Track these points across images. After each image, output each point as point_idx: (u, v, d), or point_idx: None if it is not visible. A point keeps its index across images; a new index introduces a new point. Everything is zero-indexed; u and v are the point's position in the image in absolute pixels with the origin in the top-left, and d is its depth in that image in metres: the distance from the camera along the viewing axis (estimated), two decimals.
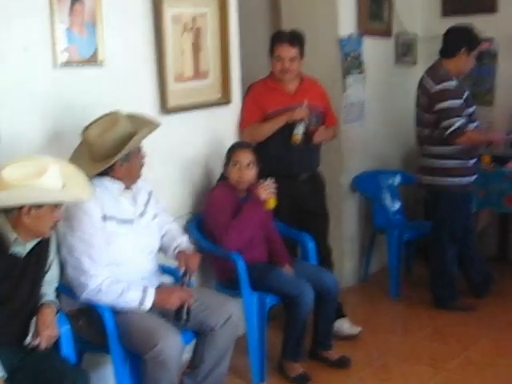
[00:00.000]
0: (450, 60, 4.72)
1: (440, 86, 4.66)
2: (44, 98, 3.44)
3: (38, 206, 2.82)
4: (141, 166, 3.42)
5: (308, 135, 4.45)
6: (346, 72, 5.26)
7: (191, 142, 4.22)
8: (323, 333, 4.24)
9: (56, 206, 2.90)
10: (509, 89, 5.76)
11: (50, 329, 2.95)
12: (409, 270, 5.74)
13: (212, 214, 4.04)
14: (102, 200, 3.29)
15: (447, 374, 4.10)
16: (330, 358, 4.23)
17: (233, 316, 3.46)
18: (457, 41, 4.72)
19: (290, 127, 4.36)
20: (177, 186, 4.12)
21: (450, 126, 4.62)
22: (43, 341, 2.91)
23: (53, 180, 2.83)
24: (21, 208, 2.81)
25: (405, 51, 5.89)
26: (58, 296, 3.17)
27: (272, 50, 4.48)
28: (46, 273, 3.09)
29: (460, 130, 4.62)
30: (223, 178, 4.12)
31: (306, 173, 4.58)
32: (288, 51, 4.40)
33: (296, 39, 4.43)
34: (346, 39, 5.21)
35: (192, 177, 4.26)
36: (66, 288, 3.30)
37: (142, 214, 3.47)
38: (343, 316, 4.65)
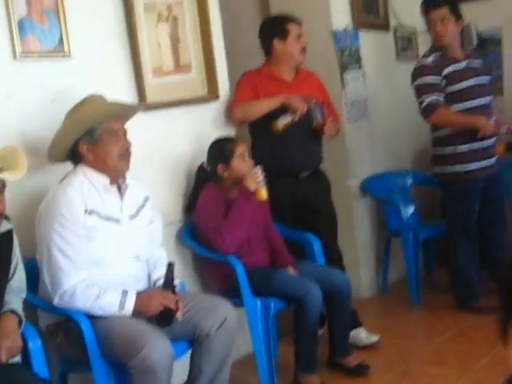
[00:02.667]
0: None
1: (416, 65, 4.31)
2: (5, 93, 3.05)
3: None
4: (118, 154, 2.96)
5: (309, 129, 4.01)
6: (344, 68, 4.85)
7: (176, 142, 3.80)
8: (339, 337, 3.77)
9: None
10: None
11: (10, 339, 2.51)
12: (429, 275, 5.28)
13: (203, 218, 3.61)
14: (85, 192, 2.90)
15: (475, 376, 3.62)
16: (348, 365, 3.75)
17: (228, 318, 3.00)
18: None
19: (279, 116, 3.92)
20: (163, 190, 3.68)
21: (420, 104, 4.22)
22: (3, 352, 2.47)
23: None
24: None
25: (405, 45, 5.48)
26: (31, 307, 2.75)
27: (284, 32, 4.07)
28: (10, 278, 2.66)
29: (431, 107, 4.18)
30: (211, 178, 3.66)
31: (308, 170, 4.12)
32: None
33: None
34: (340, 32, 4.82)
35: (178, 179, 3.82)
36: (41, 301, 2.91)
37: (132, 217, 3.04)
38: (360, 325, 4.16)
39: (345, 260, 4.27)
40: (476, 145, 4.25)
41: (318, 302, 3.47)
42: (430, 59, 4.25)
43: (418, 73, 4.26)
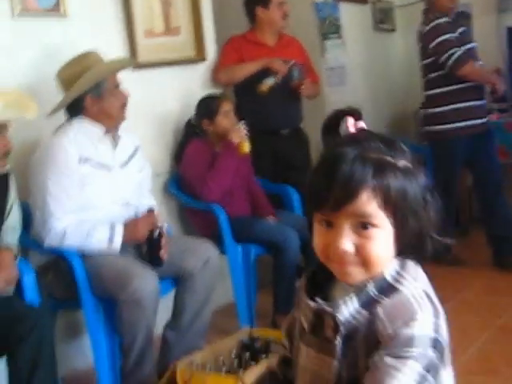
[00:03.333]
0: None
1: (431, 24, 4.20)
2: (2, 49, 3.08)
3: None
4: (120, 106, 3.03)
5: (290, 89, 4.07)
6: (324, 36, 4.89)
7: (164, 99, 3.83)
8: None
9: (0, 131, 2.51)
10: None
11: (7, 271, 2.56)
12: None
13: (189, 169, 3.66)
14: (80, 142, 2.93)
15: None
16: None
17: (211, 259, 3.07)
18: None
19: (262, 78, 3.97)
20: (151, 144, 3.71)
21: (449, 58, 4.11)
22: (0, 284, 2.51)
23: None
24: None
25: (382, 18, 5.49)
26: (22, 247, 2.79)
27: (266, 0, 4.11)
28: (7, 217, 2.71)
29: (462, 59, 4.09)
30: (196, 133, 3.71)
31: (288, 128, 4.18)
32: None
33: None
34: (321, 3, 4.85)
35: (166, 134, 3.86)
36: (32, 241, 2.94)
37: (123, 165, 3.08)
38: None
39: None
40: (472, 103, 4.22)
41: (296, 247, 3.53)
42: (444, 19, 4.17)
43: (437, 31, 4.15)
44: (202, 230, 3.72)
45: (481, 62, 4.25)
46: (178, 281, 3.07)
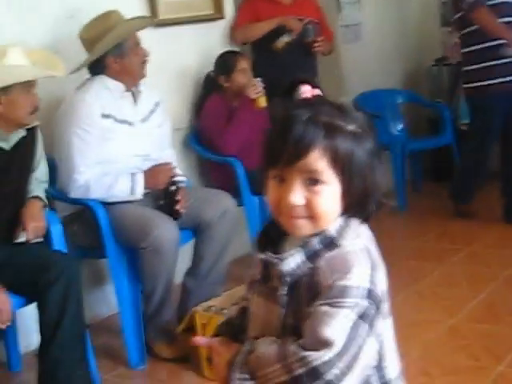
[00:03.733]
0: None
1: None
2: (25, 7, 3.09)
3: (8, 90, 2.49)
4: (141, 64, 3.06)
5: (305, 46, 4.09)
6: None
7: (183, 56, 3.85)
8: None
9: (29, 89, 2.54)
10: None
11: (36, 220, 2.62)
12: (416, 186, 5.33)
13: (207, 123, 3.69)
14: (102, 98, 2.97)
15: (451, 267, 3.73)
16: None
17: (228, 209, 3.11)
18: None
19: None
20: (171, 99, 3.71)
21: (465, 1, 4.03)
22: (30, 232, 2.59)
23: (17, 59, 2.50)
24: None
25: None
26: (49, 199, 2.84)
27: None
28: (34, 170, 2.76)
29: (477, 3, 3.99)
30: (215, 88, 3.73)
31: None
32: None
33: None
34: None
35: (185, 89, 3.88)
36: (58, 193, 2.99)
37: (144, 120, 3.11)
38: None
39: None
40: (498, 61, 4.13)
41: None
42: None
43: None
44: (220, 183, 3.75)
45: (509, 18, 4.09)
46: (197, 231, 3.12)
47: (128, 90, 3.06)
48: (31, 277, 2.48)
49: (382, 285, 1.16)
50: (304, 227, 1.16)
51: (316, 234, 1.16)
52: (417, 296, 3.41)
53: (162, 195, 3.03)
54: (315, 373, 1.07)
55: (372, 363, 1.16)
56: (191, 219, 3.06)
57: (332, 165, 1.13)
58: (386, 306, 1.18)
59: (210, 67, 3.80)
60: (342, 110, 1.18)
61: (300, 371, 1.08)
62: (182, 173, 3.26)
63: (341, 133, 1.14)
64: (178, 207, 2.99)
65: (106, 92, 3.00)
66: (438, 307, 3.25)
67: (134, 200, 2.97)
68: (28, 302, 2.53)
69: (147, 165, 3.09)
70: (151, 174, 3.01)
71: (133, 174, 2.96)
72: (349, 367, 1.09)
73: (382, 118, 4.97)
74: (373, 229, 4.07)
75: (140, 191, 2.95)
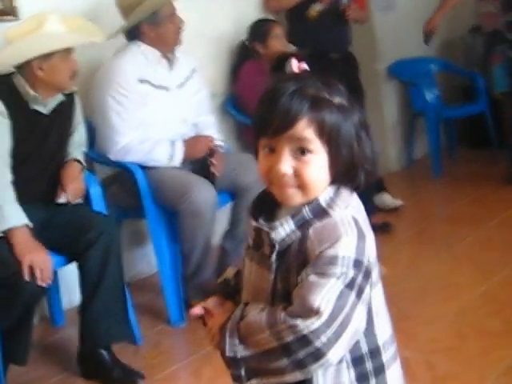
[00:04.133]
0: None
1: None
2: None
3: (48, 57, 2.47)
4: (176, 32, 3.01)
5: (338, 14, 3.97)
6: None
7: (219, 22, 3.80)
8: (364, 198, 3.78)
9: (68, 55, 2.52)
10: None
11: (75, 182, 2.61)
12: (451, 152, 5.21)
13: (244, 90, 3.64)
14: (138, 63, 2.95)
15: (485, 232, 3.64)
16: (374, 224, 3.77)
17: None
18: None
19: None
20: (207, 65, 3.67)
21: None
22: (69, 194, 2.59)
23: (56, 26, 2.49)
24: (32, 63, 2.45)
25: None
26: (88, 162, 2.83)
27: None
28: (72, 134, 2.75)
29: None
30: (250, 55, 3.68)
31: (337, 51, 4.08)
32: None
33: None
34: None
35: (221, 56, 3.84)
36: (97, 155, 2.97)
37: (180, 86, 3.08)
38: (385, 190, 4.18)
39: (373, 139, 4.23)
40: None
41: None
42: None
43: None
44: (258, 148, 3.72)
45: None
46: (234, 194, 3.09)
47: (164, 56, 3.03)
48: (72, 237, 2.48)
49: (369, 254, 1.16)
50: (294, 196, 1.17)
51: (306, 204, 1.17)
52: (452, 260, 3.34)
53: (200, 159, 3.00)
54: (304, 340, 1.09)
55: (361, 330, 1.16)
56: (229, 183, 3.03)
57: (319, 135, 1.15)
58: (374, 275, 1.18)
59: (245, 35, 3.75)
60: (328, 83, 1.20)
61: (289, 339, 1.10)
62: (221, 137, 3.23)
63: (327, 105, 1.16)
64: (213, 170, 2.96)
65: (142, 58, 2.97)
66: (473, 271, 3.18)
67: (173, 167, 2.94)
68: (69, 261, 2.53)
69: (185, 130, 3.05)
70: (191, 143, 2.98)
71: (172, 142, 2.93)
72: (337, 335, 1.10)
73: (416, 86, 4.87)
74: (409, 195, 4.04)
75: (178, 159, 2.92)
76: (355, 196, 1.23)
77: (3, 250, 2.30)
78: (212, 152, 3.01)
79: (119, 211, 2.94)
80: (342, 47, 4.12)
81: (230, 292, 1.33)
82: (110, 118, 2.89)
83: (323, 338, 1.09)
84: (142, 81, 2.93)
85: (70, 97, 2.69)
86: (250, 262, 1.26)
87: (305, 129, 1.14)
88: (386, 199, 4.14)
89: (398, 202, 4.14)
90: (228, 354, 1.15)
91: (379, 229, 3.76)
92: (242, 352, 1.14)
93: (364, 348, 1.20)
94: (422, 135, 5.03)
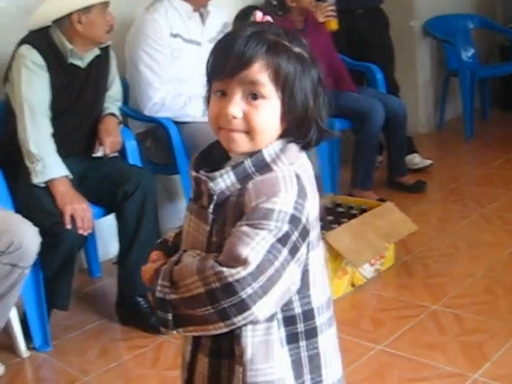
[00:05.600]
0: None
1: None
2: None
3: (87, 10, 2.59)
4: None
5: None
6: None
7: None
8: (396, 158, 3.94)
9: (105, 9, 2.65)
10: None
11: (112, 136, 2.76)
12: (484, 114, 5.28)
13: None
14: (171, 18, 3.05)
15: None
16: (406, 183, 3.92)
17: None
18: None
19: None
20: None
21: None
22: (107, 147, 2.73)
23: None
24: (71, 16, 2.58)
25: None
26: (122, 116, 2.97)
27: None
28: (108, 88, 2.88)
29: None
30: (275, 10, 3.73)
31: (363, 7, 4.13)
32: None
33: None
34: None
35: None
36: (131, 110, 3.11)
37: (212, 40, 3.16)
38: (415, 151, 4.28)
39: (405, 98, 4.26)
40: None
41: (381, 118, 3.62)
42: None
43: None
44: None
45: None
46: None
47: (196, 10, 3.13)
48: (110, 189, 2.63)
49: (310, 213, 1.15)
50: (241, 142, 1.17)
51: (251, 155, 1.17)
52: (483, 220, 3.45)
53: None
54: (229, 289, 1.08)
55: (293, 290, 1.16)
56: None
57: (273, 80, 1.14)
58: (314, 236, 1.18)
59: None
60: (291, 34, 1.19)
61: (214, 285, 1.09)
62: None
63: (285, 51, 1.15)
64: None
65: (175, 12, 3.08)
66: (503, 231, 3.30)
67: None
68: (107, 212, 2.69)
69: None
70: None
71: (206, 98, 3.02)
72: (264, 290, 1.09)
73: (452, 44, 4.92)
74: (440, 156, 4.13)
75: None
76: (304, 155, 1.22)
77: (46, 200, 2.47)
78: None
79: (152, 166, 3.06)
80: (371, 3, 4.18)
81: (169, 253, 1.31)
82: (143, 73, 3.01)
83: (249, 290, 1.08)
84: (173, 35, 3.04)
85: (105, 51, 2.81)
86: (189, 215, 1.26)
87: (259, 72, 1.13)
88: (415, 159, 4.25)
89: (427, 162, 4.25)
90: (158, 294, 1.16)
91: (412, 188, 3.88)
92: (171, 295, 1.15)
93: (297, 309, 1.19)
94: (455, 96, 5.09)
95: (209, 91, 1.23)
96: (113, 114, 2.83)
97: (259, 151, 1.17)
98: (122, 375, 2.38)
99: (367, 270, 2.88)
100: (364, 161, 3.73)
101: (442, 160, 4.42)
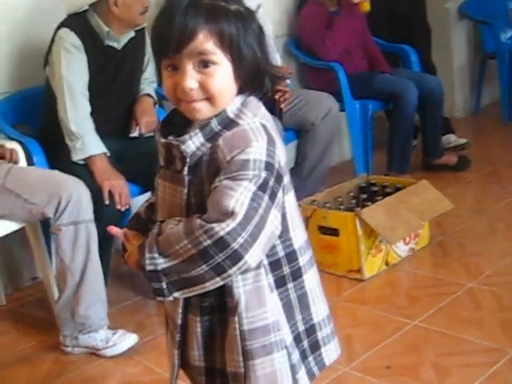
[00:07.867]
0: None
1: None
2: None
3: None
4: None
5: None
6: None
7: None
8: (432, 139, 4.01)
9: None
10: None
11: (148, 116, 2.90)
12: None
13: (306, 31, 3.86)
14: None
15: None
16: (449, 163, 4.00)
17: (332, 110, 3.33)
18: None
19: None
20: (270, 6, 3.86)
21: None
22: (142, 127, 2.87)
23: None
24: (107, 0, 2.73)
25: None
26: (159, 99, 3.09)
27: None
28: (144, 70, 3.02)
29: None
30: None
31: None
32: None
33: None
34: None
35: None
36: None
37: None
38: (451, 132, 4.35)
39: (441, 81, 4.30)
40: None
41: (414, 100, 3.69)
42: None
43: None
44: (320, 89, 3.91)
45: None
46: (300, 131, 3.33)
47: None
48: (146, 167, 2.72)
49: (279, 159, 1.23)
50: (203, 110, 1.23)
51: (214, 116, 1.23)
52: None
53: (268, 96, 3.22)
54: (221, 243, 1.15)
55: (277, 234, 1.23)
56: (295, 120, 3.27)
57: (220, 45, 1.20)
58: (286, 180, 1.26)
59: None
60: None
61: (206, 243, 1.15)
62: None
63: (224, 13, 1.20)
64: (281, 106, 3.19)
65: None
66: None
67: None
68: (143, 190, 2.81)
69: None
70: None
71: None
72: (253, 237, 1.16)
73: (490, 25, 4.94)
74: (477, 139, 4.18)
75: None
76: (262, 105, 1.30)
77: (85, 177, 2.60)
78: (279, 89, 3.24)
79: None
80: None
81: (143, 227, 1.38)
82: None
83: (240, 240, 1.15)
84: None
85: (140, 33, 2.94)
86: (163, 182, 1.31)
87: (204, 42, 1.18)
88: (451, 138, 4.33)
89: (462, 140, 4.32)
90: (148, 268, 1.20)
91: (458, 167, 3.96)
92: (162, 264, 1.20)
93: (281, 253, 1.28)
94: (492, 79, 5.14)
95: (158, 66, 1.28)
96: (148, 95, 2.97)
97: (223, 110, 1.24)
98: (155, 349, 2.48)
99: (401, 249, 2.98)
100: (399, 143, 3.81)
101: (479, 143, 4.47)
